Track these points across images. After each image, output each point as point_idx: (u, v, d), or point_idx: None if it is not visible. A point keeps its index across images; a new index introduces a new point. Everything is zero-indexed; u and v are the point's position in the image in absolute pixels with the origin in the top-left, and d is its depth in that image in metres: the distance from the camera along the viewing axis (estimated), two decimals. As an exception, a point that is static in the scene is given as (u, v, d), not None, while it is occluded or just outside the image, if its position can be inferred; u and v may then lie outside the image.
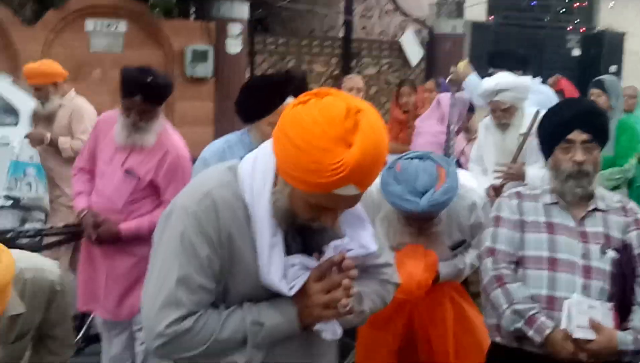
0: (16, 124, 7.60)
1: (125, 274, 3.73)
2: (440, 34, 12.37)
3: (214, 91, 11.23)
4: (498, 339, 2.82)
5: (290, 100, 2.88)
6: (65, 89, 5.63)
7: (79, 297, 3.89)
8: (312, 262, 1.87)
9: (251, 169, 1.86)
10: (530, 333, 2.62)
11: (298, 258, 1.86)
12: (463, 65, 6.13)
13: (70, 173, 4.95)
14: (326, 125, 1.66)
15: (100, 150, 3.77)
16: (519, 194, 2.84)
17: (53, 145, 5.45)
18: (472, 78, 5.74)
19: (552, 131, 2.80)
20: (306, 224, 1.84)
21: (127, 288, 3.74)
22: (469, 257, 3.24)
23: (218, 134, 9.18)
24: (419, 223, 3.06)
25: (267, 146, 1.86)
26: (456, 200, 3.06)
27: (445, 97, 5.91)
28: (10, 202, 5.19)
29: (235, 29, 11.12)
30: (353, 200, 1.77)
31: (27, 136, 5.54)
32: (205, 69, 11.05)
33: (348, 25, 11.87)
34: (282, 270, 1.83)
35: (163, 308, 1.80)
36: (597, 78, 6.07)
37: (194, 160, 3.47)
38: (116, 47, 10.55)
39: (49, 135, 5.46)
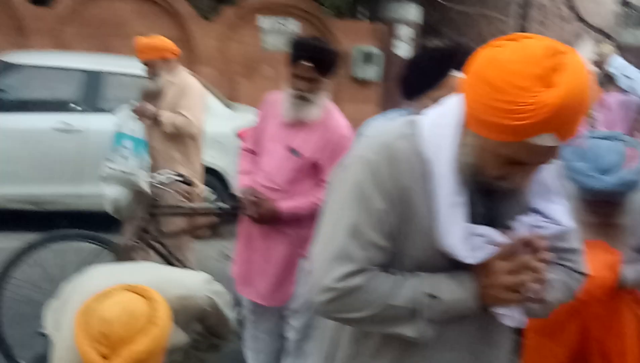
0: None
1: (281, 257, 3.69)
2: (624, 45, 11.68)
3: (380, 94, 11.20)
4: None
5: (455, 74, 2.73)
6: (175, 66, 5.42)
7: (235, 278, 3.90)
8: (499, 236, 1.69)
9: (434, 124, 1.73)
10: None
11: (484, 229, 1.69)
12: (607, 47, 6.01)
13: (175, 154, 5.27)
14: (525, 63, 1.49)
15: (265, 129, 3.76)
16: None
17: (157, 122, 5.27)
18: (617, 57, 5.46)
19: None
20: (493, 186, 1.66)
21: (282, 272, 3.70)
22: None
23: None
24: (601, 213, 2.78)
25: (451, 101, 1.73)
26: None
27: (613, 100, 5.61)
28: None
29: (405, 31, 11.03)
30: (549, 154, 1.57)
31: (134, 110, 5.29)
32: (372, 71, 11.04)
33: (522, 31, 11.46)
34: (464, 234, 1.67)
35: (333, 261, 1.68)
36: None
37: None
38: (287, 45, 10.74)
39: (157, 111, 5.28)
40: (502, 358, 1.90)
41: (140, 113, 5.27)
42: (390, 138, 1.74)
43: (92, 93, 7.21)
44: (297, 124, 3.64)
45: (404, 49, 11.01)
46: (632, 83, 5.67)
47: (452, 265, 1.71)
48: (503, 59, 1.52)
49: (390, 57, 11.05)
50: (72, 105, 7.15)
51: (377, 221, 1.68)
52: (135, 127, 5.22)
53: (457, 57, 2.79)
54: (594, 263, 2.68)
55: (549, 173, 1.77)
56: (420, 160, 1.70)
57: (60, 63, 7.46)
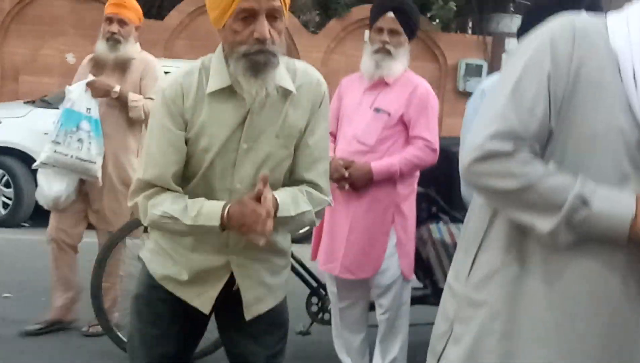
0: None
1: (370, 224, 3.58)
2: None
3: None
4: None
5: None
6: (136, 40, 4.48)
7: (317, 255, 3.80)
8: None
9: (624, 15, 1.64)
10: None
11: None
12: None
13: (131, 142, 4.39)
14: None
15: (345, 105, 3.73)
16: None
17: (121, 101, 4.29)
18: None
19: None
20: None
21: (371, 239, 3.58)
22: None
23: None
24: None
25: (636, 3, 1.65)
26: None
27: None
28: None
29: (513, 44, 10.79)
30: None
31: (88, 84, 4.25)
32: (477, 84, 10.84)
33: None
34: None
35: (488, 122, 1.61)
36: None
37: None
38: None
39: (118, 87, 4.28)
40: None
41: (97, 89, 4.26)
42: (575, 16, 1.66)
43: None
44: (379, 85, 3.63)
45: (511, 61, 10.79)
46: None
47: (630, 152, 1.57)
48: None
49: (497, 70, 10.83)
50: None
51: (543, 88, 1.59)
52: (92, 107, 4.24)
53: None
54: None
55: None
56: (604, 40, 1.62)
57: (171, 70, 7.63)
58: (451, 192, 3.13)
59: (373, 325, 3.84)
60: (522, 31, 2.79)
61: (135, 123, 4.37)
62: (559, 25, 1.63)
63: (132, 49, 4.37)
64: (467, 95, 10.90)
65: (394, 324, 3.71)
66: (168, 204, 2.09)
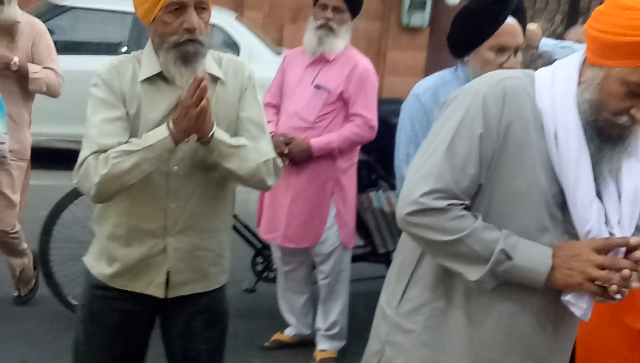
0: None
1: (311, 197, 3.74)
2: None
3: (428, 41, 11.04)
4: None
5: (511, 20, 2.74)
6: None
7: (260, 224, 3.95)
8: (614, 217, 1.73)
9: (551, 75, 1.77)
10: None
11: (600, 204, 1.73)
12: (533, 26, 6.03)
13: (25, 115, 4.13)
14: None
15: (288, 79, 3.83)
16: None
17: (20, 73, 3.96)
18: (546, 42, 5.38)
19: None
20: (608, 128, 1.70)
21: (312, 211, 3.75)
22: None
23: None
24: None
25: (563, 60, 1.80)
26: None
27: None
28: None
29: (456, -22, 10.81)
30: None
31: None
32: (421, 18, 10.89)
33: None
34: (593, 194, 1.71)
35: (423, 178, 1.75)
36: None
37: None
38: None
39: (16, 58, 3.92)
40: (565, 343, 1.92)
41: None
42: (505, 77, 1.79)
43: (141, 35, 7.24)
44: (320, 61, 3.72)
45: (454, -4, 10.81)
46: (568, 51, 5.52)
47: (548, 208, 1.74)
48: None
49: (440, 4, 10.87)
50: (122, 47, 7.19)
51: (475, 148, 1.73)
52: None
53: (512, 3, 2.75)
54: None
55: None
56: (530, 100, 1.75)
57: (110, 6, 7.52)
58: (391, 160, 3.26)
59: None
60: (453, 36, 2.87)
61: (29, 95, 4.12)
62: (490, 86, 1.76)
63: (16, 10, 3.97)
64: (411, 30, 10.95)
65: (334, 289, 3.92)
66: (116, 148, 2.16)
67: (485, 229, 1.73)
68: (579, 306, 1.75)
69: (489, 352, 1.81)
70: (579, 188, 1.70)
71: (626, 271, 1.65)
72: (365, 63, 3.77)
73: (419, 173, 1.77)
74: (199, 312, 2.42)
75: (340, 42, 3.69)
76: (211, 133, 2.17)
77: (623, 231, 1.75)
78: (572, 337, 1.96)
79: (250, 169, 2.26)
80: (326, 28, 3.66)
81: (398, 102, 3.55)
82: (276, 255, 4.03)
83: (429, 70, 10.73)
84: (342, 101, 3.70)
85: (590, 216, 1.71)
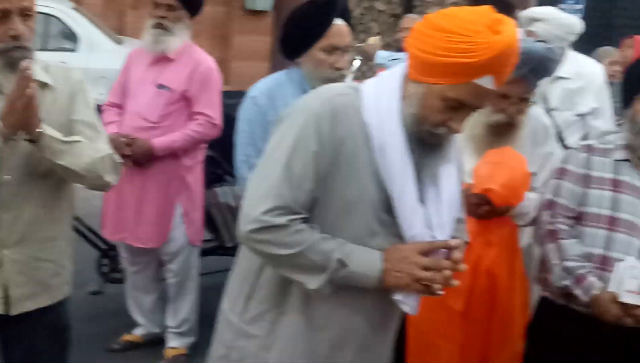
0: (73, 50, 7.64)
1: (157, 196, 3.72)
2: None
3: (273, 25, 11.11)
4: (546, 293, 2.76)
5: (338, 21, 2.84)
6: None
7: (107, 225, 3.90)
8: (435, 219, 1.89)
9: (376, 90, 1.90)
10: (577, 291, 2.54)
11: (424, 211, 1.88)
12: (373, 40, 6.38)
13: None
14: (476, 15, 1.76)
15: (130, 78, 3.78)
16: (589, 148, 2.70)
17: None
18: (381, 54, 5.82)
19: (634, 81, 2.65)
20: (428, 137, 1.85)
21: (158, 210, 3.74)
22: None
23: (275, 69, 9.07)
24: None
25: (386, 71, 1.94)
26: (535, 116, 2.90)
27: None
28: None
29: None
30: (486, 97, 1.81)
31: None
32: (265, 2, 10.92)
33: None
34: (416, 197, 1.86)
35: (263, 196, 1.83)
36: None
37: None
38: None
39: None
40: (391, 333, 2.10)
41: None
42: (335, 94, 1.91)
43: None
44: (162, 60, 3.69)
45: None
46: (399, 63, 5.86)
47: (373, 213, 1.87)
48: (456, 14, 1.78)
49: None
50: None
51: (310, 164, 1.82)
52: None
53: (338, 4, 2.85)
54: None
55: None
56: (358, 115, 1.86)
57: None
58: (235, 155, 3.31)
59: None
60: (285, 40, 2.95)
61: None
62: (321, 104, 1.86)
63: None
64: (255, 13, 10.96)
65: (183, 286, 3.92)
66: None
67: (323, 240, 1.84)
68: (408, 303, 1.91)
69: (327, 349, 1.95)
70: (404, 195, 1.84)
71: (447, 272, 1.83)
72: (208, 61, 3.76)
73: (259, 191, 1.85)
74: (43, 328, 2.37)
75: (176, 40, 3.67)
76: (40, 130, 2.13)
77: (443, 233, 1.91)
78: (397, 324, 2.14)
79: (86, 164, 2.24)
80: (160, 27, 3.63)
81: (242, 94, 3.58)
82: (124, 255, 3.98)
83: (275, 54, 10.82)
84: (185, 99, 3.68)
85: (414, 221, 1.86)
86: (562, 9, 4.84)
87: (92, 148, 2.26)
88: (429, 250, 1.86)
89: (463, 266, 1.88)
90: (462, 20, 1.75)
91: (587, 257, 2.56)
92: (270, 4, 10.98)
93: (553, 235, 2.62)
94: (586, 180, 2.64)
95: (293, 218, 1.83)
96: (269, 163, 1.87)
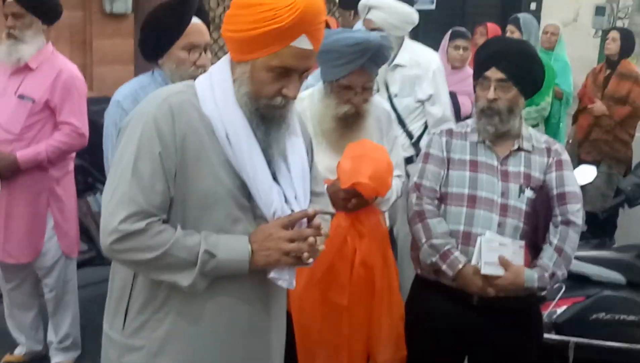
0: None
1: (26, 210, 3.64)
2: None
3: (134, 27, 10.91)
4: (419, 271, 2.91)
5: (196, 20, 2.89)
6: None
7: None
8: (290, 193, 1.96)
9: (209, 82, 1.95)
10: (444, 267, 2.71)
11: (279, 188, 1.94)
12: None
13: None
14: None
15: None
16: (449, 132, 2.89)
17: None
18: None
19: (476, 68, 2.85)
20: (269, 109, 1.90)
21: (28, 224, 3.65)
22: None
23: (139, 71, 8.93)
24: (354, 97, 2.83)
25: (216, 64, 1.99)
26: (377, 104, 3.01)
27: None
28: None
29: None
30: (308, 58, 1.89)
31: None
32: (124, 5, 10.69)
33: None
34: (271, 180, 1.93)
35: (117, 205, 1.83)
36: (513, 16, 6.16)
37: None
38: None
39: None
40: (281, 295, 2.15)
41: None
42: (168, 94, 1.93)
43: None
44: (23, 69, 3.60)
45: (155, -20, 10.78)
46: None
47: (235, 203, 1.91)
48: None
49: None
50: None
51: (157, 166, 1.85)
52: None
53: (193, 3, 2.89)
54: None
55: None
56: (196, 109, 1.91)
57: None
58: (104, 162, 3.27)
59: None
60: (145, 42, 2.96)
61: None
62: (158, 106, 1.89)
63: None
64: (115, 16, 10.70)
65: (62, 300, 3.85)
66: None
67: (186, 235, 1.87)
68: (283, 278, 1.97)
69: (215, 342, 1.98)
70: (257, 177, 1.91)
71: (311, 239, 1.91)
72: (70, 69, 3.68)
73: (112, 202, 1.85)
74: None
75: (30, 48, 3.58)
76: None
77: (300, 204, 1.99)
78: (283, 305, 2.20)
79: None
80: (11, 37, 3.55)
81: (107, 100, 3.53)
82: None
83: (138, 56, 10.61)
84: (49, 109, 3.60)
85: (272, 200, 1.93)
86: (416, 0, 5.03)
87: None
88: (290, 223, 1.92)
89: (325, 231, 1.96)
90: None
91: (452, 234, 2.74)
92: (130, 6, 10.77)
93: (420, 216, 2.77)
94: (448, 162, 2.81)
95: (151, 220, 1.84)
96: (117, 173, 1.87)
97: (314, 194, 2.13)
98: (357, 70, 2.76)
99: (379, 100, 3.13)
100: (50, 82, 3.58)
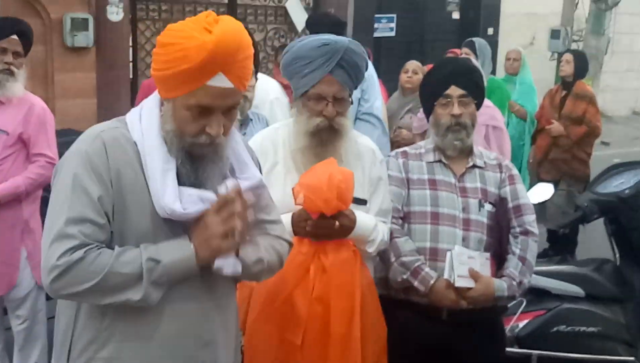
0: None
1: (1, 243, 3.65)
2: (325, -1, 12.42)
3: (96, 61, 10.91)
4: (385, 292, 2.92)
5: None
6: None
7: None
8: (209, 194, 1.92)
9: (139, 114, 1.97)
10: (416, 283, 2.77)
11: (194, 191, 1.91)
12: None
13: None
14: (190, 22, 1.86)
15: None
16: (404, 154, 2.99)
17: None
18: None
19: (432, 89, 2.95)
20: (197, 150, 1.90)
21: (3, 258, 3.66)
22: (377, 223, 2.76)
23: (101, 106, 8.99)
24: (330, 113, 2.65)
25: (149, 97, 2.00)
26: (361, 141, 2.86)
27: None
28: None
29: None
30: (229, 96, 1.87)
31: None
32: (86, 38, 10.69)
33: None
34: (177, 194, 1.88)
35: (54, 243, 1.81)
36: (469, 39, 6.33)
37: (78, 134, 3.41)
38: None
39: None
40: (230, 308, 2.13)
41: None
42: (100, 130, 1.95)
43: None
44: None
45: (115, 13, 10.80)
46: None
47: (171, 232, 1.91)
48: (173, 26, 1.87)
49: (102, 22, 10.77)
50: None
51: (94, 204, 1.84)
52: None
53: None
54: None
55: (242, 149, 2.07)
56: (130, 144, 1.92)
57: None
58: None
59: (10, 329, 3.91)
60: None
61: None
62: (91, 143, 1.90)
63: None
64: (76, 50, 10.69)
65: (32, 331, 3.83)
66: None
67: (125, 251, 1.86)
68: (227, 264, 1.95)
69: (161, 351, 1.95)
70: (165, 197, 1.87)
71: (240, 208, 1.90)
72: (41, 103, 3.78)
73: (48, 242, 1.83)
74: None
75: (21, 85, 3.68)
76: None
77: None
78: (234, 314, 2.17)
79: None
80: (7, 73, 3.63)
81: (70, 133, 3.56)
82: None
83: (100, 90, 10.62)
84: (22, 142, 3.66)
85: (175, 208, 1.88)
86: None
87: None
88: (219, 206, 1.90)
89: (250, 199, 1.95)
90: (176, 30, 1.85)
91: (419, 251, 2.81)
92: (91, 40, 10.77)
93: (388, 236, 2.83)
94: (408, 182, 2.90)
95: (88, 248, 1.82)
96: (54, 213, 1.86)
97: (266, 222, 2.13)
98: (327, 78, 2.62)
99: (364, 138, 2.94)
100: (22, 116, 3.65)
